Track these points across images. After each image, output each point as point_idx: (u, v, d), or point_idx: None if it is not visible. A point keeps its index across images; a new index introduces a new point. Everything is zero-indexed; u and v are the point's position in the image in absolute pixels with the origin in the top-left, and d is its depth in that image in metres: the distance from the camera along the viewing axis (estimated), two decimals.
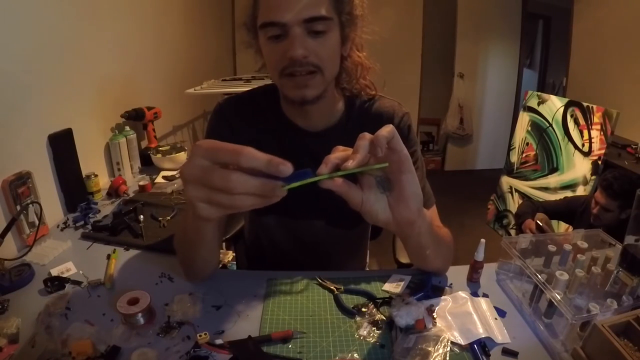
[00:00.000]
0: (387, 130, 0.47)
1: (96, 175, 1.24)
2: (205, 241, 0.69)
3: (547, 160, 2.52)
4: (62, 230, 1.07)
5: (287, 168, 0.40)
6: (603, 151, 2.12)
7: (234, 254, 1.51)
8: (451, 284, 0.80)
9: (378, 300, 0.74)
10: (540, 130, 2.57)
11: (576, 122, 2.30)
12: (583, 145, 2.26)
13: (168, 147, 1.58)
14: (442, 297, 0.76)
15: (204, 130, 0.88)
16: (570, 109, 2.35)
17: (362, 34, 0.79)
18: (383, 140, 0.46)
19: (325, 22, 0.68)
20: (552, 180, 2.47)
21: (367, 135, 0.48)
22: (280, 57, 0.69)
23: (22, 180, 0.97)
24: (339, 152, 0.48)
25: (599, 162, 2.13)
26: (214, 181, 0.41)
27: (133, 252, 0.95)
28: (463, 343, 0.65)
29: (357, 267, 1.06)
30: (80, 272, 0.85)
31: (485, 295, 0.78)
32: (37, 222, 0.97)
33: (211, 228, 0.66)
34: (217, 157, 0.41)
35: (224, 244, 1.57)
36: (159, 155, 1.52)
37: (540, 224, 1.96)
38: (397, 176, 0.51)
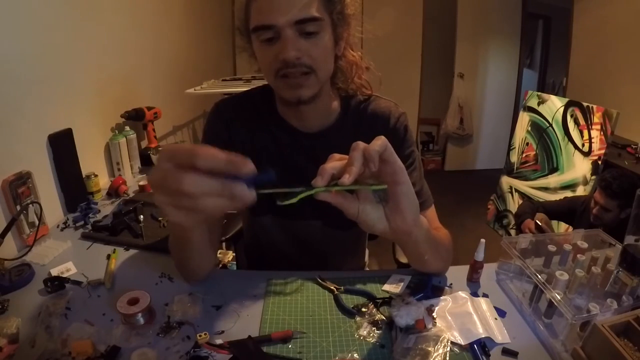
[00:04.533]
0: (378, 143, 0.47)
1: (96, 175, 1.24)
2: (191, 245, 0.69)
3: (547, 160, 2.52)
4: (62, 230, 1.07)
5: (248, 168, 0.39)
6: (603, 151, 2.12)
7: (234, 254, 1.51)
8: (451, 284, 0.80)
9: (378, 300, 0.74)
10: (540, 130, 2.57)
11: (576, 122, 2.30)
12: (583, 145, 2.26)
13: None
14: (442, 297, 0.76)
15: (202, 130, 0.89)
16: (570, 109, 2.35)
17: (357, 33, 0.79)
18: (375, 154, 0.46)
19: (316, 22, 0.68)
20: (552, 180, 2.47)
21: (360, 145, 0.47)
22: (274, 59, 0.69)
23: (22, 180, 0.97)
24: (335, 162, 0.47)
25: (599, 162, 2.13)
26: (169, 184, 0.39)
27: (133, 252, 0.95)
28: (463, 343, 0.65)
29: (356, 266, 1.06)
30: (81, 272, 0.85)
31: (485, 295, 0.78)
32: (37, 222, 0.97)
33: (197, 233, 0.66)
34: (176, 160, 0.40)
35: (223, 244, 1.57)
36: None
37: (540, 224, 1.96)
38: (391, 187, 0.50)
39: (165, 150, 0.42)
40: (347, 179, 0.45)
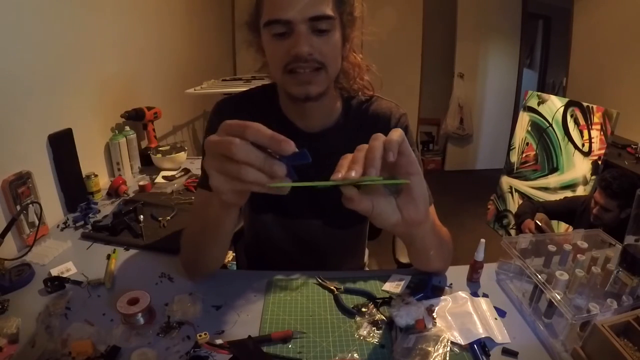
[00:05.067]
0: (397, 134, 0.48)
1: (96, 175, 1.24)
2: (222, 234, 0.69)
3: (547, 160, 2.52)
4: (62, 230, 1.07)
5: (288, 146, 0.44)
6: (603, 151, 2.12)
7: (234, 254, 1.51)
8: (451, 284, 0.80)
9: (378, 300, 0.74)
10: (540, 130, 2.57)
11: (576, 122, 2.30)
12: (583, 145, 2.26)
13: (168, 147, 1.58)
14: (442, 297, 0.76)
15: (204, 130, 0.89)
16: (570, 109, 2.35)
17: (361, 36, 0.80)
18: (396, 145, 0.47)
19: (329, 21, 0.69)
20: (552, 180, 2.47)
21: (380, 136, 0.48)
22: (284, 54, 0.69)
23: (22, 180, 0.97)
24: (358, 161, 0.47)
25: (599, 162, 2.13)
26: (221, 147, 0.44)
27: (133, 252, 0.95)
28: (463, 343, 0.65)
29: (356, 266, 1.06)
30: (81, 272, 0.85)
31: (485, 295, 0.78)
32: (37, 222, 0.97)
33: (230, 219, 0.66)
34: (231, 131, 0.45)
35: None
36: (159, 155, 1.52)
37: (540, 224, 1.96)
38: (405, 178, 0.51)
39: (225, 122, 0.46)
40: (374, 172, 0.45)
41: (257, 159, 0.44)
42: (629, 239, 0.68)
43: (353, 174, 0.45)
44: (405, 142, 0.49)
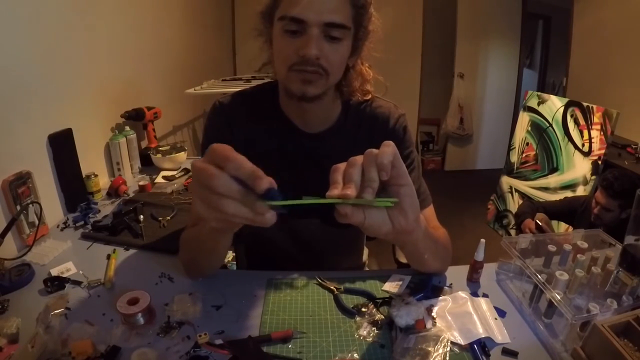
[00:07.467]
0: (389, 151, 0.47)
1: (96, 175, 1.24)
2: (217, 250, 0.71)
3: (547, 160, 2.52)
4: (62, 230, 1.07)
5: (263, 183, 0.42)
6: (603, 151, 2.12)
7: (234, 254, 1.51)
8: (451, 284, 0.80)
9: (378, 300, 0.74)
10: (540, 130, 2.57)
11: (576, 122, 2.30)
12: (583, 145, 2.26)
13: (168, 147, 1.58)
14: (442, 297, 0.76)
15: (203, 129, 0.88)
16: (570, 109, 2.36)
17: (372, 51, 0.80)
18: (388, 165, 0.47)
19: (343, 30, 0.70)
20: (552, 180, 2.47)
21: (372, 154, 0.48)
22: (293, 52, 0.70)
23: (22, 180, 0.97)
24: (352, 179, 0.47)
25: (599, 162, 2.13)
26: (202, 177, 0.43)
27: (133, 252, 0.95)
28: (463, 343, 0.65)
29: (354, 264, 1.06)
30: (80, 272, 0.85)
31: (485, 295, 0.78)
32: (37, 222, 0.97)
33: (225, 240, 0.67)
34: (215, 158, 0.44)
35: None
36: (159, 155, 1.52)
37: (540, 224, 1.96)
38: (395, 189, 0.51)
39: (211, 147, 0.45)
40: (369, 193, 0.46)
41: (237, 193, 0.43)
42: (629, 239, 0.68)
43: (349, 192, 0.45)
44: (397, 156, 0.49)
